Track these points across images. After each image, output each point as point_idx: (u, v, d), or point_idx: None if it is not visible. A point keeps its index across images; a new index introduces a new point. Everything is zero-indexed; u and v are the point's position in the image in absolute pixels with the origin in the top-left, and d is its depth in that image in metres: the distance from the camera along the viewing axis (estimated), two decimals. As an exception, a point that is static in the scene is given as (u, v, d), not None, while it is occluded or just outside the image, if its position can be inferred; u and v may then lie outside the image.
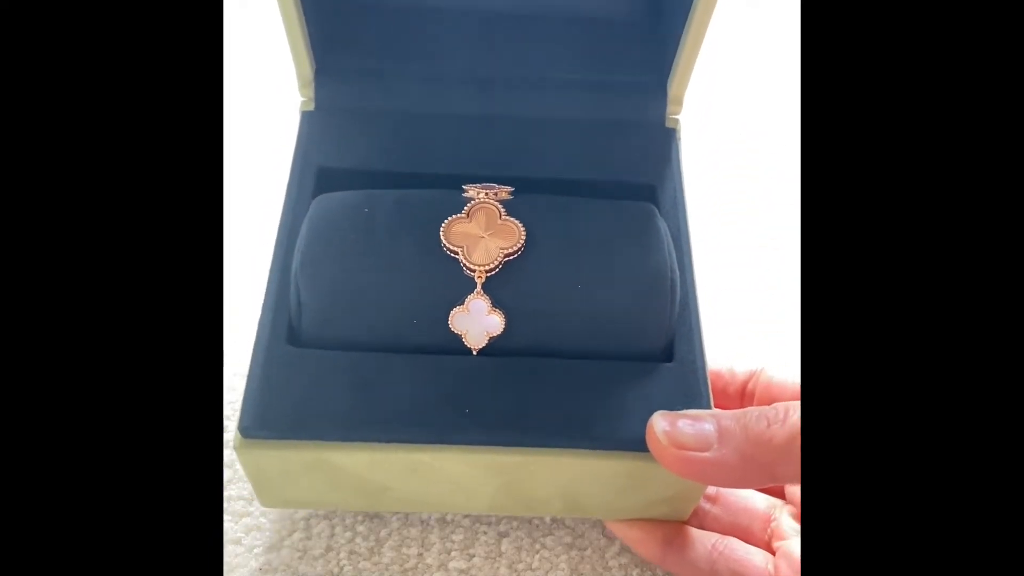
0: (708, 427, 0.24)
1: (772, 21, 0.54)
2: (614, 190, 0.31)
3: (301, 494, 0.28)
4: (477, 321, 0.27)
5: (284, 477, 0.27)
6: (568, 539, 0.32)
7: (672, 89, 0.33)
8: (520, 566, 0.31)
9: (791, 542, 0.28)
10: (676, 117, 0.34)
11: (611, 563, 0.31)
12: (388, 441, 0.26)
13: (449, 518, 0.32)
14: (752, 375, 0.32)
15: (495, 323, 0.27)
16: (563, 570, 0.31)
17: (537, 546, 0.31)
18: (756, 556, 0.28)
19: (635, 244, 0.29)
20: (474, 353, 0.27)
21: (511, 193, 0.29)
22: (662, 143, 0.33)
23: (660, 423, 0.25)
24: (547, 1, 0.35)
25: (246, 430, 0.25)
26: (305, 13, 0.30)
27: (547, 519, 0.32)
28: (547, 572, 0.31)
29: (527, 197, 0.29)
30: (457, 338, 0.27)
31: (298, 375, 0.26)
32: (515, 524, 0.32)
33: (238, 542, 0.31)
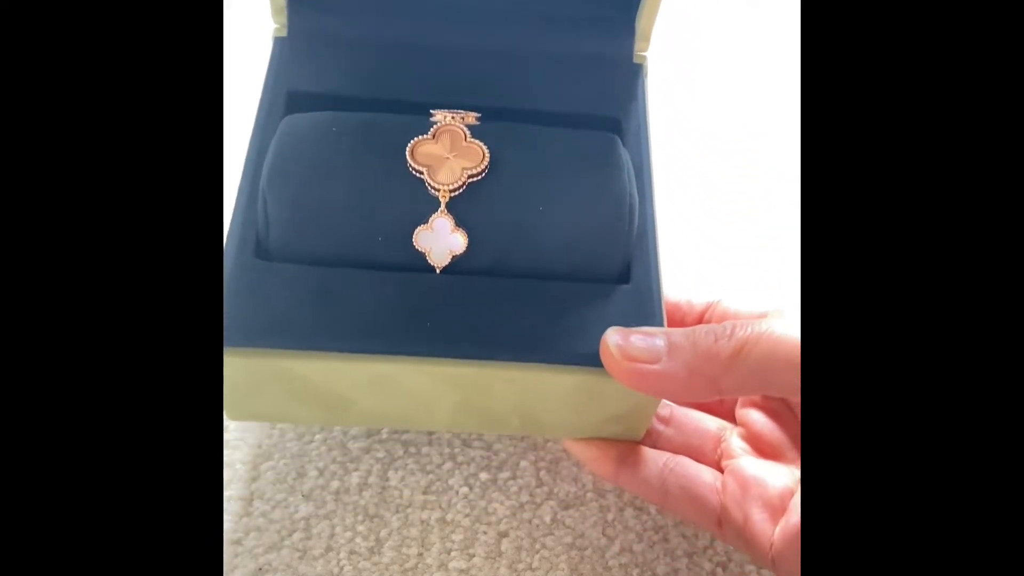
0: (659, 342, 0.25)
1: (772, 21, 0.54)
2: (579, 121, 0.32)
3: (266, 406, 0.28)
4: (440, 239, 0.28)
5: (250, 388, 0.27)
6: (568, 539, 0.32)
7: (640, 25, 0.34)
8: (520, 566, 0.31)
9: (739, 460, 0.29)
10: (644, 54, 0.35)
11: (611, 563, 0.31)
12: (350, 351, 0.26)
13: (449, 517, 0.32)
14: (709, 306, 0.33)
15: (458, 242, 0.28)
16: (563, 570, 0.31)
17: (537, 546, 0.31)
18: (705, 474, 0.29)
19: (596, 170, 0.29)
20: (437, 271, 0.28)
21: (477, 119, 0.30)
22: (628, 78, 0.34)
23: (613, 337, 0.26)
24: None
25: None
26: None
27: (547, 519, 0.32)
28: (547, 572, 0.31)
29: (492, 124, 0.30)
30: (421, 256, 0.28)
31: (264, 287, 0.27)
32: (515, 524, 0.32)
33: (238, 542, 0.31)
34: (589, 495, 0.33)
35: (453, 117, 0.29)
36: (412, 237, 0.28)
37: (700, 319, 0.33)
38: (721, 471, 0.30)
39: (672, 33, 0.33)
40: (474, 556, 0.31)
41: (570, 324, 0.27)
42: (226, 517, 0.32)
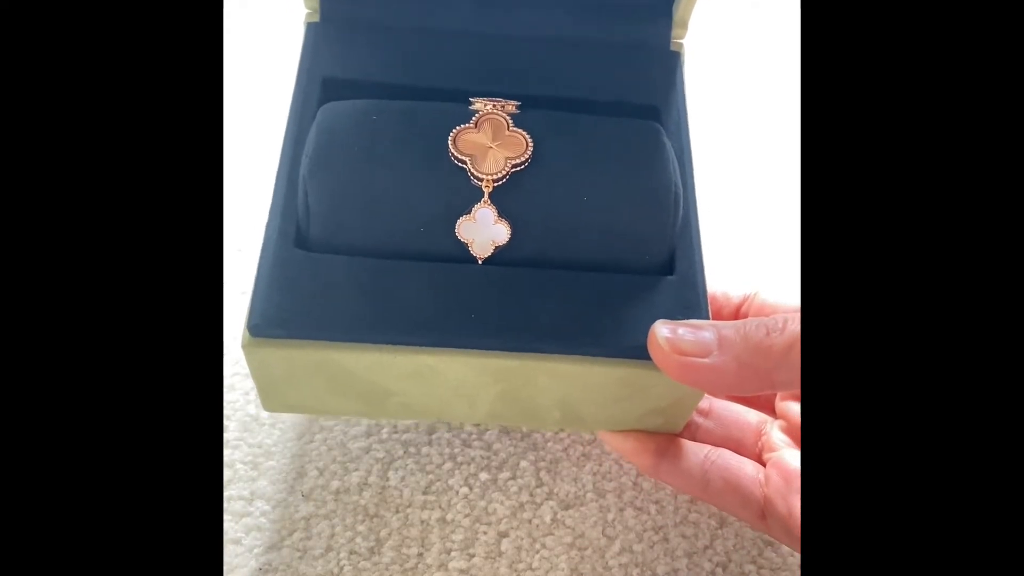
0: (708, 335, 0.25)
1: (772, 21, 0.54)
2: (617, 110, 0.31)
3: (304, 398, 0.28)
4: (483, 230, 0.27)
5: (289, 379, 0.27)
6: (568, 539, 0.32)
7: (678, 12, 0.33)
8: (520, 566, 0.31)
9: (781, 453, 0.29)
10: (681, 41, 0.34)
11: (611, 563, 0.31)
12: (394, 343, 0.26)
13: (449, 517, 0.32)
14: (746, 298, 0.32)
15: (501, 232, 0.28)
16: (563, 570, 0.31)
17: (537, 546, 0.31)
18: (747, 466, 0.29)
19: (640, 159, 0.29)
20: (479, 262, 0.28)
21: (517, 107, 0.29)
22: (666, 66, 0.33)
23: (662, 330, 0.25)
24: None
25: (255, 328, 0.25)
26: None
27: (547, 519, 0.32)
28: (547, 572, 0.31)
29: (534, 112, 0.29)
30: (463, 247, 0.28)
31: (307, 278, 0.26)
32: (515, 524, 0.32)
33: (238, 542, 0.31)
34: (589, 495, 0.33)
35: (494, 105, 0.29)
36: (455, 227, 0.27)
37: (737, 312, 0.32)
38: (763, 464, 0.30)
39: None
40: (474, 556, 0.31)
41: (615, 316, 0.27)
42: (226, 517, 0.32)
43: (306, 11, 0.33)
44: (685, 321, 0.26)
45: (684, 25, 0.34)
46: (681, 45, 0.34)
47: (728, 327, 0.25)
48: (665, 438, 0.30)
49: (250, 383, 0.35)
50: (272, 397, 0.29)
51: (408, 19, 0.33)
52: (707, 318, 0.27)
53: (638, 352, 0.26)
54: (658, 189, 0.29)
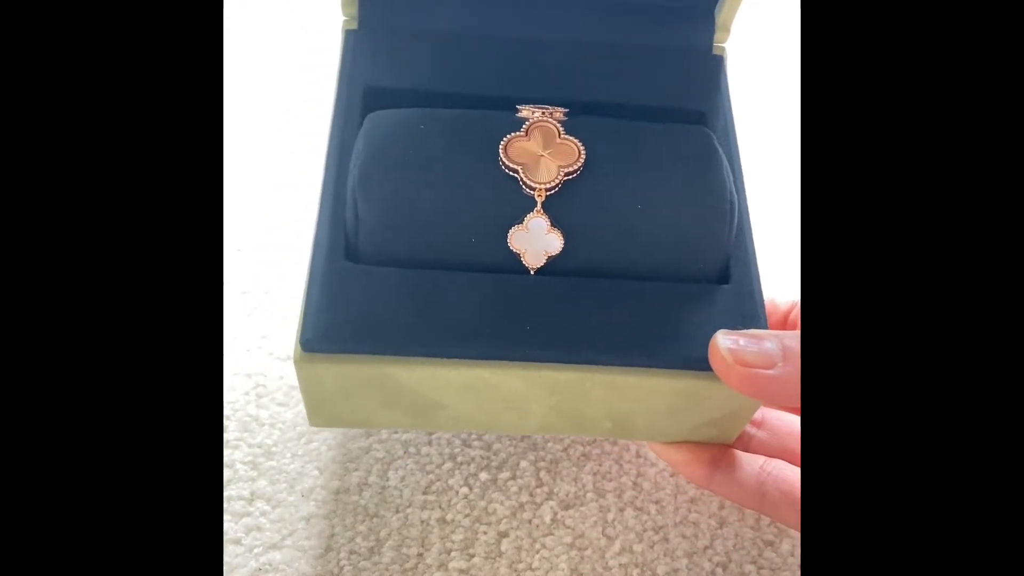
0: (770, 346, 0.24)
1: (772, 21, 0.54)
2: (664, 115, 0.31)
3: (353, 413, 0.28)
4: (536, 240, 0.27)
5: (339, 394, 0.27)
6: (568, 539, 0.32)
7: (720, 15, 0.33)
8: (520, 566, 0.31)
9: None
10: (723, 45, 0.33)
11: (611, 563, 0.31)
12: (448, 356, 0.25)
13: (450, 517, 0.32)
14: (793, 305, 0.32)
15: (554, 242, 0.27)
16: (563, 570, 0.31)
17: (537, 546, 0.31)
18: None
19: (694, 166, 0.28)
20: (532, 272, 0.27)
21: (565, 114, 0.29)
22: (710, 70, 0.33)
23: (724, 341, 0.25)
24: None
25: (308, 343, 0.25)
26: None
27: (547, 519, 0.32)
28: (547, 572, 0.31)
29: (583, 119, 0.29)
30: (515, 257, 0.27)
31: (358, 291, 0.26)
32: (515, 524, 0.32)
33: (238, 542, 0.31)
34: (589, 495, 0.33)
35: (543, 112, 0.29)
36: (507, 237, 0.27)
37: (785, 319, 0.32)
38: None
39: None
40: (474, 556, 0.31)
41: (671, 327, 0.26)
42: (226, 517, 0.32)
43: (343, 18, 0.33)
44: (745, 332, 0.25)
45: (727, 29, 0.33)
46: (724, 49, 0.33)
47: (790, 337, 0.24)
48: (718, 449, 0.29)
49: (250, 383, 0.35)
50: (320, 412, 0.28)
51: (447, 24, 0.32)
52: (765, 328, 0.27)
53: (695, 363, 0.25)
54: (713, 196, 0.28)
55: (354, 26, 0.32)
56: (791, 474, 0.29)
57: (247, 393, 0.35)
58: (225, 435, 0.34)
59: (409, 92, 0.31)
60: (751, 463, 0.29)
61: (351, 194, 0.28)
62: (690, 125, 0.30)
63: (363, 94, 0.31)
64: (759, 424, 0.31)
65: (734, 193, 0.29)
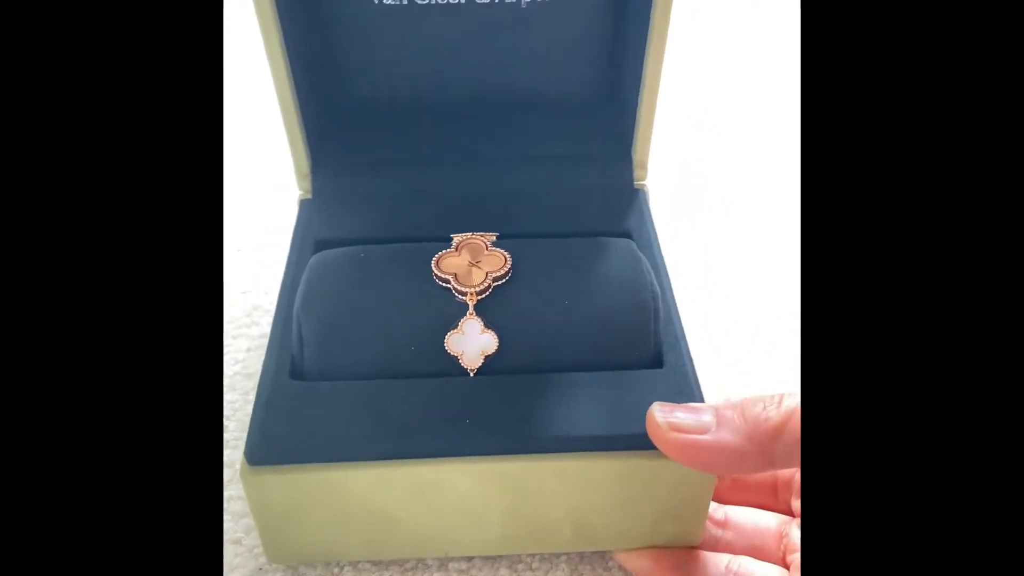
0: (706, 417, 0.25)
1: (773, 21, 0.54)
2: (591, 236, 0.33)
3: (308, 539, 0.28)
4: (472, 341, 0.28)
5: (291, 515, 0.27)
6: (568, 539, 0.32)
7: (636, 155, 0.36)
8: (520, 566, 0.31)
9: None
10: (643, 182, 0.37)
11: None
12: (391, 458, 0.26)
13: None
14: (790, 415, 0.31)
15: (489, 342, 0.28)
16: (563, 570, 0.31)
17: (538, 546, 0.31)
18: (772, 572, 0.28)
19: (616, 264, 0.31)
20: (471, 374, 0.28)
21: (497, 237, 0.31)
22: (634, 203, 0.36)
23: (658, 411, 0.25)
24: (521, 91, 0.38)
25: (252, 455, 0.26)
26: (303, 121, 0.34)
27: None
28: (547, 572, 0.31)
29: (511, 240, 0.31)
30: (454, 361, 0.28)
31: (302, 404, 0.27)
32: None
33: (238, 542, 0.31)
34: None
35: (473, 236, 0.31)
36: (444, 343, 0.28)
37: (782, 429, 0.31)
38: (786, 567, 0.29)
39: (673, 33, 0.33)
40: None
41: (611, 411, 0.27)
42: (226, 517, 0.32)
43: (299, 192, 0.36)
44: (682, 404, 0.26)
45: (643, 166, 0.36)
46: (644, 185, 0.37)
47: (726, 406, 0.25)
48: (682, 552, 0.29)
49: (250, 383, 0.35)
50: (276, 541, 0.28)
51: (393, 187, 0.35)
52: (702, 402, 0.27)
53: (638, 442, 0.26)
54: (635, 286, 0.30)
55: (308, 196, 0.36)
56: (758, 570, 0.28)
57: (247, 393, 0.35)
58: (225, 435, 0.34)
59: (357, 241, 0.33)
60: (716, 563, 0.29)
61: (295, 317, 0.29)
62: (612, 237, 0.32)
63: (314, 245, 0.33)
64: (724, 525, 0.30)
65: (655, 284, 0.30)
